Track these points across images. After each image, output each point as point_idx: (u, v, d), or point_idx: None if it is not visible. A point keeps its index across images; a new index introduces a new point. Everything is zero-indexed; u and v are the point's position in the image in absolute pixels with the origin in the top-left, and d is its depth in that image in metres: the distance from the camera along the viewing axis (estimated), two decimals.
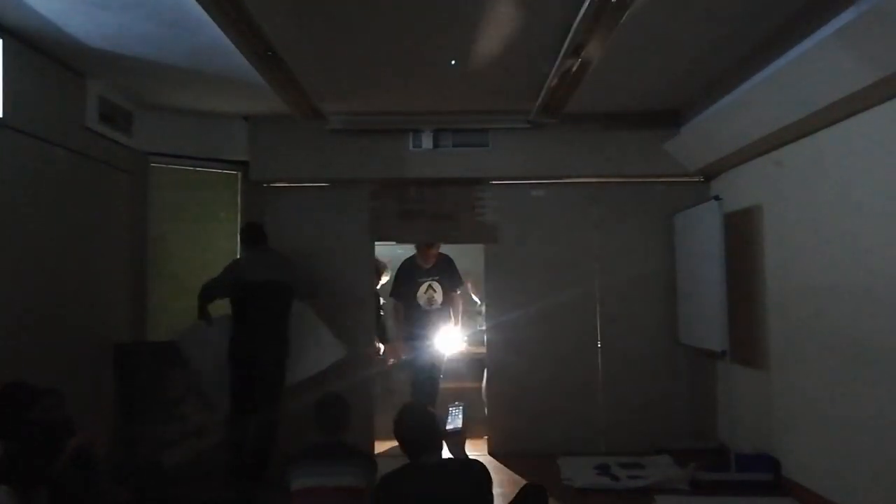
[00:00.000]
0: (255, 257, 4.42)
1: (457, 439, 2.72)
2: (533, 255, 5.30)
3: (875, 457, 3.31)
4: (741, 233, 4.57)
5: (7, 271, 3.36)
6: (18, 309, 3.43)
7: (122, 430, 4.30)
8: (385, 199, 5.37)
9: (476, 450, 5.12)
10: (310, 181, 5.34)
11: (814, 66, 3.23)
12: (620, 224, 5.30)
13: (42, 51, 3.63)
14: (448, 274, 5.41)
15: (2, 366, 3.16)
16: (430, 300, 5.35)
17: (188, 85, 4.29)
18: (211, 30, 3.22)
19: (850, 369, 3.49)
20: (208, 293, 4.22)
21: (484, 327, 5.50)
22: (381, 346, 5.69)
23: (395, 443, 2.58)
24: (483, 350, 5.55)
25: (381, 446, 5.11)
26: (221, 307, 4.32)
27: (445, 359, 5.45)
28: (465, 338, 6.16)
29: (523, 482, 3.46)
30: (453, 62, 3.90)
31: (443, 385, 5.45)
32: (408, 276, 5.38)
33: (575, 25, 3.22)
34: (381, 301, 5.94)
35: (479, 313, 6.14)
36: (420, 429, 2.46)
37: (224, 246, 5.07)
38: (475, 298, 6.22)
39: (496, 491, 2.57)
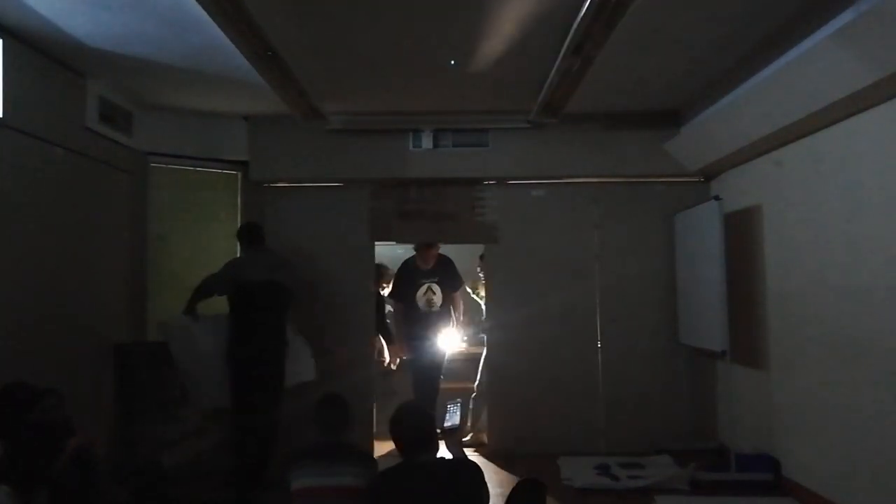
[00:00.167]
0: (253, 257, 4.42)
1: (455, 437, 2.71)
2: (533, 255, 5.30)
3: (875, 457, 3.31)
4: (741, 233, 4.57)
5: (7, 271, 3.36)
6: (18, 309, 3.43)
7: (122, 430, 4.29)
8: (385, 199, 5.36)
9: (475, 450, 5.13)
10: (310, 181, 5.34)
11: (814, 66, 3.23)
12: (620, 224, 5.30)
13: (42, 51, 3.64)
14: (448, 275, 5.40)
15: (2, 366, 3.16)
16: (430, 302, 5.35)
17: (188, 85, 4.29)
18: (211, 30, 3.22)
19: (850, 369, 3.48)
20: (207, 289, 4.22)
21: (483, 328, 5.47)
22: (385, 347, 5.66)
23: None
24: (483, 350, 5.53)
25: (381, 446, 5.10)
26: (220, 307, 4.32)
27: (446, 359, 5.44)
28: (465, 338, 6.16)
29: None
30: (453, 62, 3.90)
31: (443, 385, 5.43)
32: (407, 276, 5.38)
33: (575, 25, 3.22)
34: (388, 308, 5.89)
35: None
36: (416, 428, 2.45)
37: (224, 246, 5.05)
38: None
39: (496, 491, 2.56)
